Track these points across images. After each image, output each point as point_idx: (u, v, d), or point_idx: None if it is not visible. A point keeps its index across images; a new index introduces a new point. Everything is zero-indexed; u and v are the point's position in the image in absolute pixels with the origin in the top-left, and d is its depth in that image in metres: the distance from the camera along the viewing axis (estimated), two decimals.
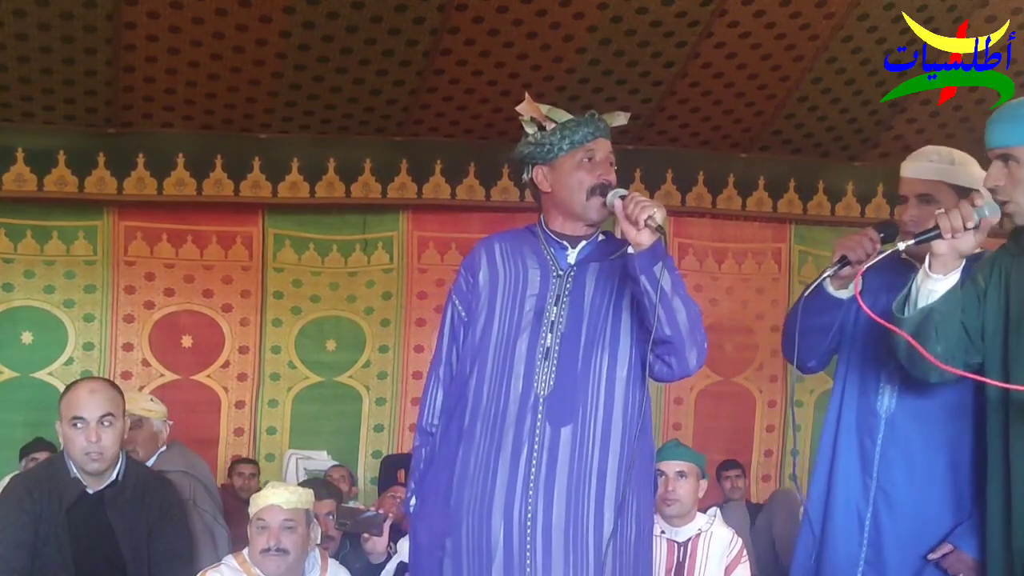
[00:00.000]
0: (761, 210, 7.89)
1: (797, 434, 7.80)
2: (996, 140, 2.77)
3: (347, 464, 7.20)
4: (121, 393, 3.92)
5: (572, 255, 3.15)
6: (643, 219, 2.87)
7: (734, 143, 7.71)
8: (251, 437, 7.40)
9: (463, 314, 3.23)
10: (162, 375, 7.26)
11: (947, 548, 3.07)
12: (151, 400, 5.03)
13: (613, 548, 2.97)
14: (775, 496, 6.88)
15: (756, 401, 7.95)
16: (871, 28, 6.67)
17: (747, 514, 6.54)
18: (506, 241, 3.25)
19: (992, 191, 2.75)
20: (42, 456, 5.53)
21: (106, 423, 3.75)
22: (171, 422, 4.94)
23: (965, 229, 2.72)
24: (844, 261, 3.13)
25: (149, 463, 4.62)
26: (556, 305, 3.08)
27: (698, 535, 4.38)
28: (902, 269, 3.09)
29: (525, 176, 3.21)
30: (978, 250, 2.84)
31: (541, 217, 3.23)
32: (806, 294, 3.17)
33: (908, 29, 6.59)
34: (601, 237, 3.20)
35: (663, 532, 4.38)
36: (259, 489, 4.24)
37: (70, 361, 7.13)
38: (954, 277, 2.80)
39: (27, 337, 7.10)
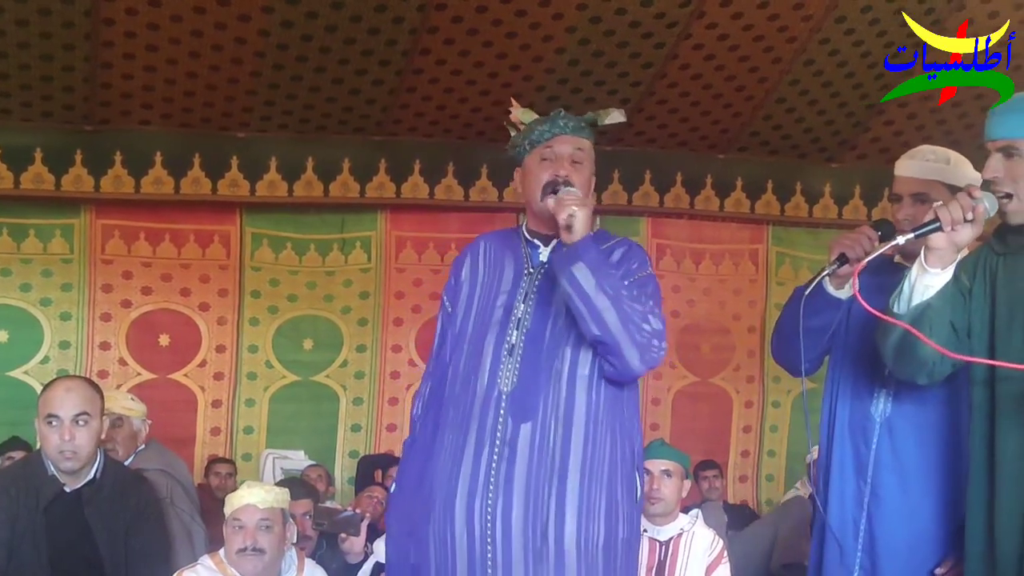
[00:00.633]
0: (738, 211, 7.91)
1: (775, 434, 7.86)
2: (997, 132, 2.78)
3: (324, 464, 7.19)
4: (100, 392, 3.91)
5: (544, 253, 3.16)
6: (563, 217, 2.89)
7: (712, 144, 7.73)
8: (228, 436, 7.37)
9: (449, 310, 3.26)
10: (139, 374, 7.23)
11: (950, 563, 3.07)
12: (131, 399, 5.00)
13: (577, 549, 2.95)
14: (789, 502, 6.87)
15: (733, 402, 7.98)
16: (848, 31, 6.70)
17: (724, 515, 6.55)
18: (493, 240, 3.28)
19: (990, 183, 2.76)
20: (18, 455, 5.51)
21: (80, 422, 3.74)
22: (150, 421, 4.93)
23: (964, 221, 2.73)
24: (843, 259, 3.12)
25: (127, 462, 4.60)
26: (524, 303, 3.09)
27: (680, 535, 4.39)
28: (894, 271, 3.09)
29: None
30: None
31: (523, 216, 3.28)
32: (806, 293, 3.15)
33: (885, 32, 6.71)
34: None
35: (645, 531, 4.37)
36: (235, 489, 4.23)
37: (46, 360, 7.09)
38: (950, 272, 2.80)
39: (3, 335, 7.06)
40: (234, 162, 7.11)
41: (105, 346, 7.21)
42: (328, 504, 5.77)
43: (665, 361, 7.77)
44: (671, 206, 7.81)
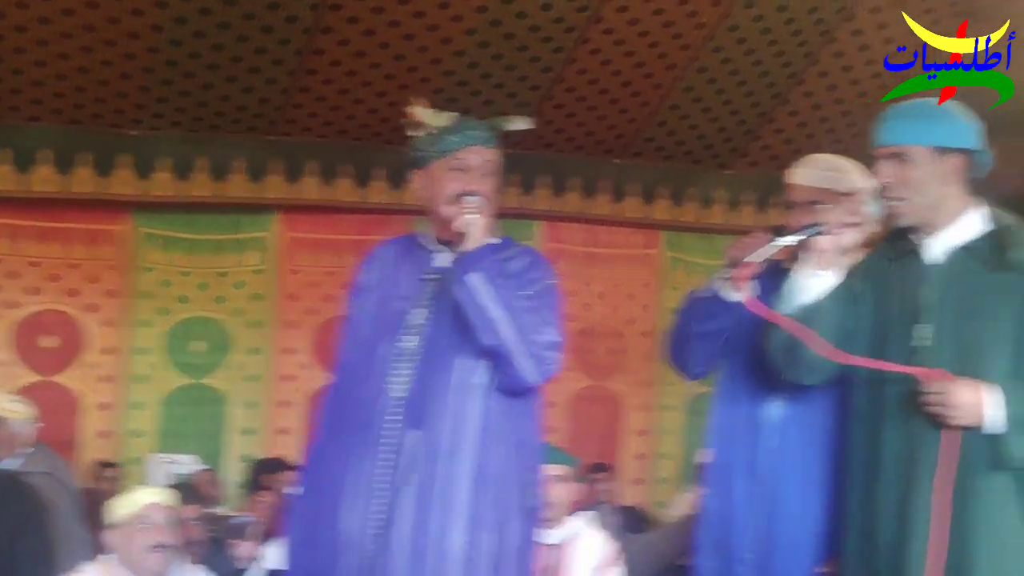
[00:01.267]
0: (633, 216, 7.96)
1: (669, 438, 7.94)
2: (887, 138, 2.83)
3: (214, 468, 7.09)
4: None
5: (443, 260, 3.14)
6: (460, 225, 2.90)
7: (608, 149, 7.78)
8: (116, 440, 7.23)
9: (352, 314, 3.21)
10: (23, 375, 7.06)
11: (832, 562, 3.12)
12: (12, 400, 4.88)
13: (464, 559, 2.93)
14: (689, 519, 6.89)
15: (627, 405, 8.03)
16: (740, 39, 6.80)
17: (618, 517, 6.58)
18: (398, 244, 3.25)
19: (881, 188, 2.82)
20: None
21: None
22: (41, 424, 4.81)
23: (850, 225, 2.79)
24: (737, 263, 3.16)
25: (16, 465, 4.49)
26: (421, 309, 3.06)
27: (571, 538, 4.40)
28: (787, 277, 3.14)
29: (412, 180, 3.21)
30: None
31: (420, 219, 3.24)
32: (700, 296, 3.19)
33: (776, 41, 6.82)
34: (495, 240, 3.17)
35: (531, 543, 4.39)
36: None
37: None
38: (835, 275, 2.87)
39: None
40: (125, 160, 6.97)
41: None
42: (218, 509, 5.70)
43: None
44: (567, 210, 7.84)
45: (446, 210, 3.03)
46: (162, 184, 7.06)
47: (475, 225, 2.90)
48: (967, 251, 2.80)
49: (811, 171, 3.33)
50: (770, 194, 7.78)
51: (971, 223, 2.83)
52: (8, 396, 5.18)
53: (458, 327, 2.99)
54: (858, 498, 2.91)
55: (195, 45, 6.28)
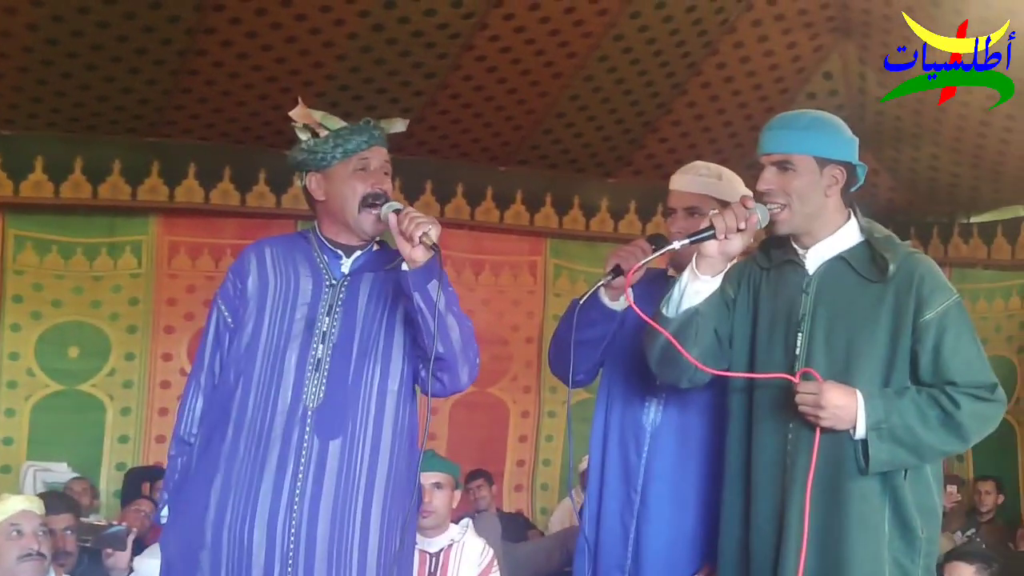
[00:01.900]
0: (518, 223, 7.99)
1: (551, 444, 7.97)
2: (772, 147, 2.88)
3: (89, 476, 6.92)
4: None
5: (346, 264, 3.10)
6: (418, 236, 2.85)
7: (493, 156, 7.79)
8: None
9: (229, 320, 3.13)
10: None
11: (707, 570, 3.15)
12: None
13: (378, 563, 2.93)
14: (572, 530, 6.91)
15: (510, 412, 8.04)
16: (626, 49, 6.86)
17: (499, 524, 6.58)
18: (277, 246, 3.18)
19: (764, 195, 2.87)
20: None
21: None
22: None
23: (737, 231, 2.83)
24: (617, 271, 3.17)
25: None
26: (328, 315, 3.02)
27: (450, 545, 4.40)
28: (669, 284, 3.16)
29: (299, 183, 3.15)
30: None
31: (316, 224, 3.17)
32: (580, 303, 3.20)
33: (661, 51, 6.89)
34: (376, 247, 3.15)
35: (415, 543, 4.39)
36: None
37: None
38: (719, 279, 2.92)
39: None
40: None
41: None
42: (92, 518, 5.57)
43: None
44: (452, 217, 7.83)
45: (360, 215, 3.02)
46: (36, 186, 6.88)
47: (432, 234, 2.87)
48: (843, 261, 2.87)
49: (691, 177, 3.38)
50: (653, 202, 7.88)
51: (848, 234, 2.90)
52: None
53: (369, 332, 2.98)
54: (734, 502, 2.95)
55: (72, 44, 6.13)
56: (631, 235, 7.66)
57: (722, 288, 2.96)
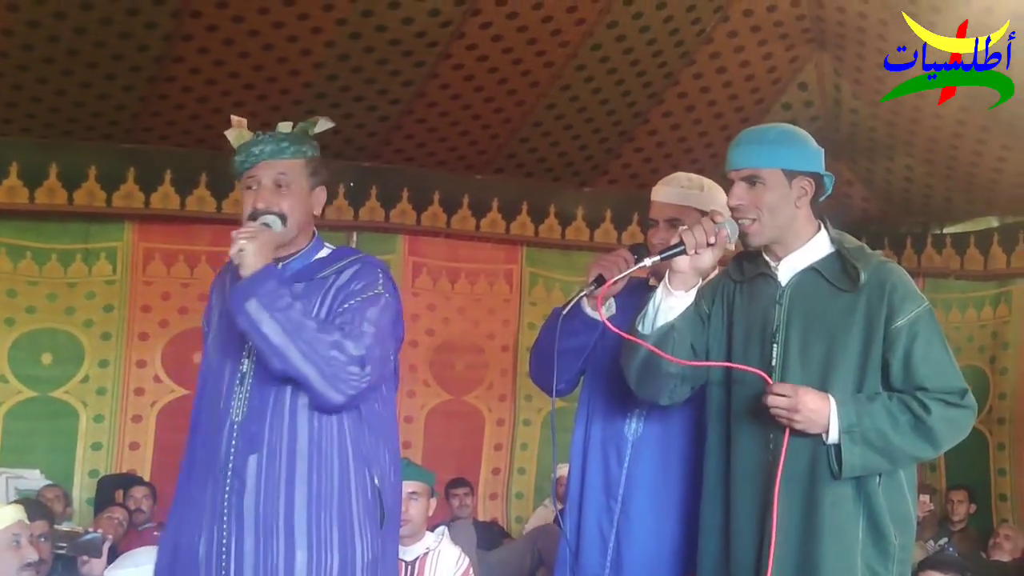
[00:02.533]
0: (494, 231, 8.00)
1: (526, 452, 7.97)
2: (740, 162, 2.90)
3: (62, 484, 6.87)
4: None
5: None
6: (232, 253, 2.86)
7: (469, 164, 7.80)
8: None
9: (205, 334, 3.20)
10: None
11: None
12: None
13: None
14: (546, 529, 6.91)
15: (485, 420, 8.04)
16: (603, 58, 6.88)
17: (474, 532, 6.59)
18: None
19: (734, 211, 2.89)
20: None
21: None
22: None
23: (707, 245, 2.85)
24: (600, 280, 3.18)
25: None
26: None
27: (426, 554, 4.41)
28: (647, 294, 3.17)
29: None
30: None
31: None
32: (564, 313, 3.21)
33: (638, 61, 6.92)
34: (324, 253, 3.12)
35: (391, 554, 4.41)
36: None
37: None
38: (692, 295, 2.94)
39: None
40: None
41: None
42: (66, 525, 5.53)
43: (418, 379, 7.84)
44: (428, 225, 7.85)
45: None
46: (10, 191, 6.85)
47: (248, 251, 2.84)
48: (815, 272, 2.89)
49: (672, 189, 3.38)
50: (629, 211, 7.90)
51: (819, 245, 2.92)
52: None
53: None
54: (713, 512, 2.96)
55: (48, 50, 6.11)
56: (607, 244, 7.69)
57: (696, 303, 2.98)
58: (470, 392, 8.02)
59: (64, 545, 4.67)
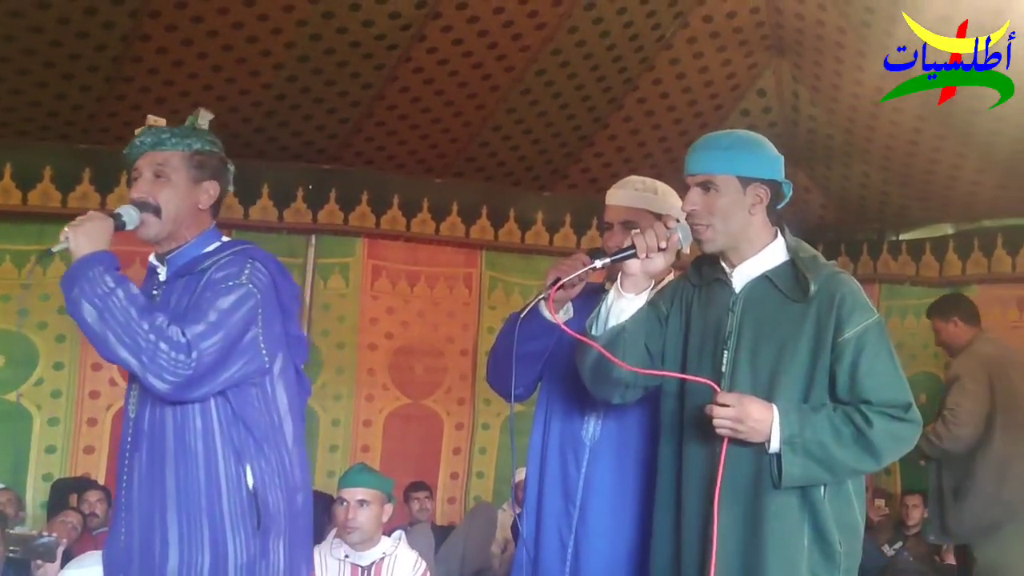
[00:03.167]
0: (454, 235, 7.99)
1: (484, 456, 7.96)
2: (696, 167, 2.91)
3: (14, 488, 6.80)
4: None
5: (163, 272, 3.09)
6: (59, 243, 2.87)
7: (429, 168, 7.79)
8: None
9: None
10: None
11: None
12: None
13: None
14: (475, 509, 6.96)
15: (444, 424, 8.02)
16: (563, 63, 6.90)
17: (432, 536, 6.58)
18: None
19: (689, 216, 2.90)
20: None
21: None
22: None
23: (659, 250, 2.87)
24: (558, 284, 3.18)
25: None
26: None
27: (382, 559, 4.41)
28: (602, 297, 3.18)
29: None
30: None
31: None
32: (521, 317, 3.21)
33: (598, 66, 6.93)
34: (214, 246, 3.08)
35: (347, 556, 4.42)
36: None
37: None
38: (644, 297, 2.96)
39: None
40: None
41: None
42: (19, 529, 5.49)
43: (376, 383, 7.81)
44: (387, 228, 7.82)
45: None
46: None
47: (71, 239, 2.87)
48: (768, 280, 2.90)
49: (627, 192, 3.40)
50: (589, 216, 7.91)
51: (774, 253, 2.93)
52: None
53: None
54: (665, 518, 2.97)
55: (4, 49, 6.06)
56: (566, 248, 7.69)
57: (656, 305, 3.00)
58: (429, 396, 8.00)
59: (17, 549, 4.64)
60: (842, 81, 6.92)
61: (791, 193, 2.95)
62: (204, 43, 6.25)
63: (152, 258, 3.13)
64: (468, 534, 6.48)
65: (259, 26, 6.18)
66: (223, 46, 6.29)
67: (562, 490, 3.33)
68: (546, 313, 3.25)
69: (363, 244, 7.81)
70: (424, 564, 4.48)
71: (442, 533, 6.93)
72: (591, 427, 3.31)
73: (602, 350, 2.88)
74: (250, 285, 2.93)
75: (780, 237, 2.94)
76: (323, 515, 5.63)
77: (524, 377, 3.34)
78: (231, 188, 3.20)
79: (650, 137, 7.63)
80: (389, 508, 4.52)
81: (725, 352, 2.87)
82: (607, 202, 3.42)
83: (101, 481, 6.85)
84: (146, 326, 2.77)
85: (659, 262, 2.91)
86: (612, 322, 2.94)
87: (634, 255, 2.89)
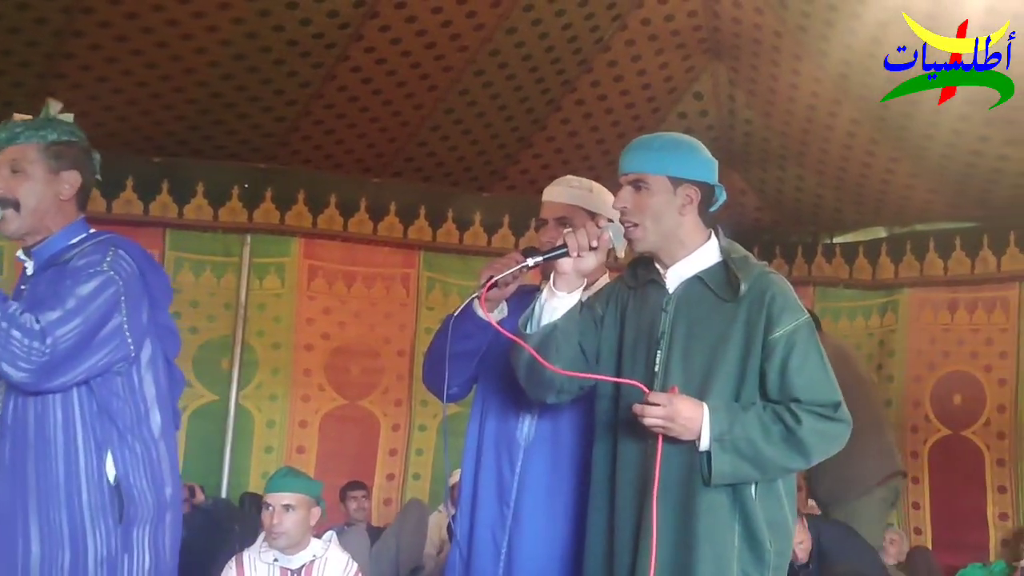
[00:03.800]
0: (392, 235, 7.96)
1: (421, 458, 7.94)
2: (629, 166, 2.94)
3: None
4: None
5: (29, 266, 3.07)
6: None
7: (367, 167, 7.75)
8: None
9: None
10: None
11: None
12: None
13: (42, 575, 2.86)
14: (406, 507, 6.95)
15: (380, 425, 7.99)
16: (502, 64, 6.90)
17: (367, 537, 6.55)
18: None
19: (621, 214, 2.93)
20: None
21: None
22: None
23: (590, 249, 2.89)
24: (490, 282, 3.18)
25: None
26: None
27: (312, 561, 4.39)
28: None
29: None
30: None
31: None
32: (455, 316, 3.21)
33: (537, 68, 6.94)
34: (79, 238, 3.07)
35: (276, 560, 4.39)
36: None
37: None
38: (576, 296, 2.97)
39: None
40: None
41: None
42: None
43: (312, 383, 7.75)
44: (324, 227, 7.78)
45: None
46: None
47: None
48: (700, 281, 2.92)
49: (562, 189, 3.42)
50: (527, 217, 7.91)
51: (706, 254, 2.95)
52: None
53: None
54: (598, 518, 2.98)
55: None
56: (504, 249, 7.69)
57: (591, 307, 3.02)
58: (365, 397, 7.97)
59: None
60: (778, 85, 6.98)
61: (724, 196, 2.98)
62: (138, 40, 6.17)
63: (19, 253, 3.09)
64: (400, 532, 6.46)
65: (194, 23, 6.11)
66: (157, 43, 6.22)
67: (496, 491, 3.32)
68: (479, 312, 3.25)
69: (299, 244, 7.76)
70: (356, 565, 4.46)
71: (377, 534, 6.90)
72: (526, 427, 3.31)
73: (533, 352, 2.89)
74: (112, 272, 2.91)
75: (714, 238, 2.97)
76: (257, 517, 5.59)
77: (458, 376, 3.34)
78: (97, 176, 3.19)
79: (588, 138, 7.65)
80: (317, 512, 4.50)
81: (658, 352, 2.89)
82: (543, 198, 3.44)
83: None
84: (7, 316, 2.74)
85: (590, 261, 2.93)
86: (545, 320, 2.95)
87: (566, 254, 2.91)
